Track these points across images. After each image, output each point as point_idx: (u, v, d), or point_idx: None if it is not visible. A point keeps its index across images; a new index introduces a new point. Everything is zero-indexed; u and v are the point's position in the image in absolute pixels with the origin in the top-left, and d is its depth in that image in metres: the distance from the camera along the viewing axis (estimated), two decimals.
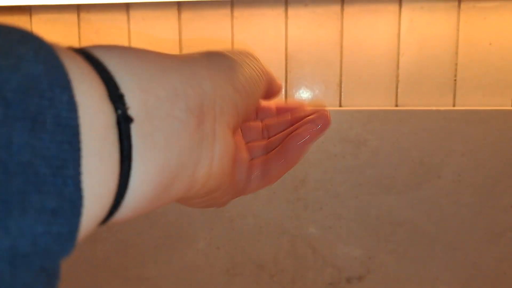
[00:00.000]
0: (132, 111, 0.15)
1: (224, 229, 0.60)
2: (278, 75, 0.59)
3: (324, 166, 0.58)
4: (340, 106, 0.59)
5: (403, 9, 0.56)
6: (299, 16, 0.58)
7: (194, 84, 0.19)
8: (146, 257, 0.61)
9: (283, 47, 0.58)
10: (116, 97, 0.15)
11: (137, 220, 0.61)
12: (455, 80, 0.57)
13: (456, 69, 0.57)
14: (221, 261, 0.61)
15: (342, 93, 0.59)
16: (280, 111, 0.31)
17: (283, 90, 0.60)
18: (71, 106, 0.13)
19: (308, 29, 0.58)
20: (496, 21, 0.55)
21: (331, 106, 0.59)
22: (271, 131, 0.30)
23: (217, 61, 0.21)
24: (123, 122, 0.15)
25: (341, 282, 0.60)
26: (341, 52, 0.58)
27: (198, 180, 0.20)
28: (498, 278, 0.58)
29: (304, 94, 0.60)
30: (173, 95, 0.17)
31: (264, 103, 0.31)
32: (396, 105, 0.58)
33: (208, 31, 0.59)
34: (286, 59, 0.59)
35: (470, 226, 0.57)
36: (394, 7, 0.56)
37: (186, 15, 0.59)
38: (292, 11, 0.58)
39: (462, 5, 0.55)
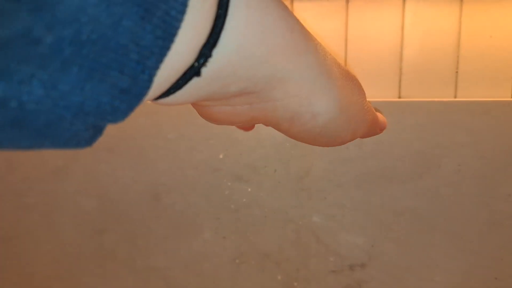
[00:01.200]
0: None
1: (230, 219, 0.61)
2: None
3: (328, 157, 0.59)
4: None
5: (407, 2, 0.57)
6: (305, 9, 0.58)
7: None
8: (153, 248, 0.63)
9: None
10: None
11: (144, 211, 0.62)
12: (457, 72, 0.58)
13: (458, 62, 0.58)
14: (227, 251, 0.62)
15: None
16: None
17: None
18: (182, 8, 0.14)
19: (314, 22, 0.58)
20: (497, 14, 0.56)
21: None
22: None
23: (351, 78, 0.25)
24: None
25: (344, 269, 0.62)
26: (346, 45, 0.59)
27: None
28: (497, 265, 0.60)
29: None
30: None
31: None
32: (399, 97, 0.59)
33: None
34: None
35: (470, 215, 0.59)
36: (398, 0, 0.57)
37: None
38: (297, 4, 0.58)
39: None
